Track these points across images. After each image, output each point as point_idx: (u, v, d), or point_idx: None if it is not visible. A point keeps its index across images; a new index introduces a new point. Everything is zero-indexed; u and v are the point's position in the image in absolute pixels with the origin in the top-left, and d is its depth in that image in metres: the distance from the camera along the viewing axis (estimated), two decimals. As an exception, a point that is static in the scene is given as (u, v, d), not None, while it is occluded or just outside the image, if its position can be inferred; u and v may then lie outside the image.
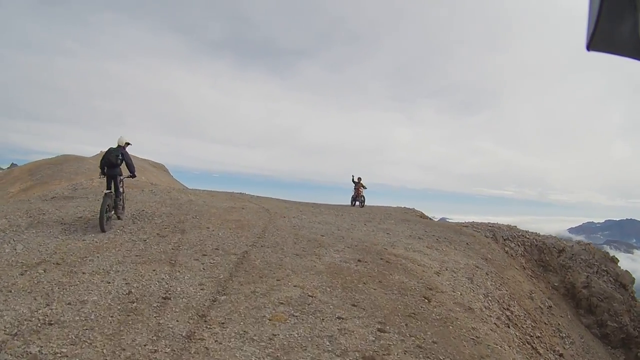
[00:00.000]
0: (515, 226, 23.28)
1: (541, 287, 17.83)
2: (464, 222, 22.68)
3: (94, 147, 69.24)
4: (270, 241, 12.07)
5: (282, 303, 7.87)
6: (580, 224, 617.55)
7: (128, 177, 13.27)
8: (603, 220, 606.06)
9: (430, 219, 27.44)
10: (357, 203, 26.66)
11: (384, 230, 16.43)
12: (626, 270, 21.91)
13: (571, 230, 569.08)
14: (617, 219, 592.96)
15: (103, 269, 8.96)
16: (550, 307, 16.57)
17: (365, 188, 26.75)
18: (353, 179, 26.99)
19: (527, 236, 21.16)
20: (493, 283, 13.51)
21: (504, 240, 19.47)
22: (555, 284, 19.29)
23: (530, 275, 18.03)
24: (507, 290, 13.95)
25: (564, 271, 19.93)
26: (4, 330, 6.19)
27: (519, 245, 19.85)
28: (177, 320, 6.89)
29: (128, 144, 13.06)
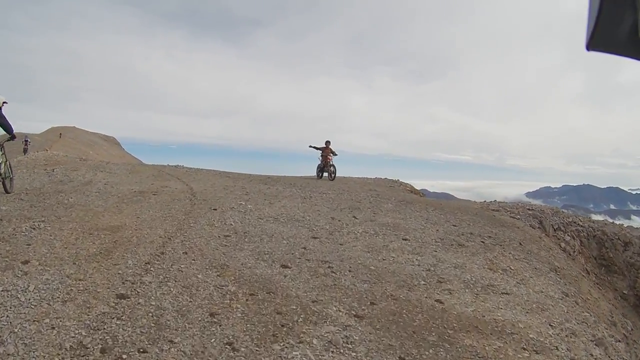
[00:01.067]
0: (559, 209, 17.98)
1: (609, 297, 13.47)
2: (485, 201, 18.95)
3: (49, 124, 75.80)
4: (138, 313, 5.44)
5: None
6: (538, 188, 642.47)
7: (8, 140, 11.82)
8: (560, 185, 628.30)
9: (423, 195, 23.43)
10: (326, 175, 21.38)
11: (392, 229, 10.75)
12: None
13: (529, 194, 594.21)
14: (574, 185, 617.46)
15: None
16: (632, 330, 11.60)
17: (336, 155, 21.62)
18: (316, 147, 21.84)
19: (581, 223, 15.96)
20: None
21: (555, 230, 14.90)
22: (624, 292, 14.64)
23: (596, 283, 13.81)
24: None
25: (634, 272, 14.86)
26: None
27: (574, 238, 15.07)
28: None
29: (5, 102, 11.02)
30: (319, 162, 21.81)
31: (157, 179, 15.40)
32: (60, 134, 72.56)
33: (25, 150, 37.29)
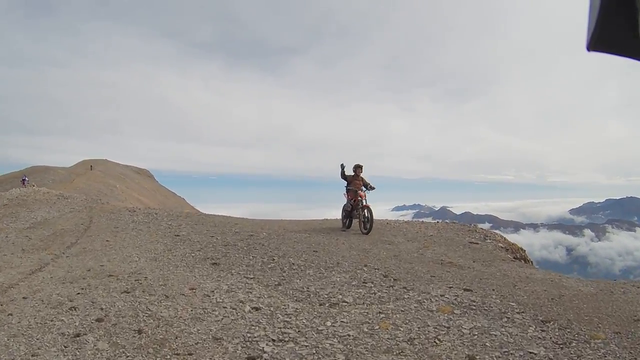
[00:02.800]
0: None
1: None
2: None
3: (92, 156, 77.38)
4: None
5: None
6: (581, 204, 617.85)
7: None
8: (603, 200, 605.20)
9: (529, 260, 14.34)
10: (356, 222, 14.68)
11: None
12: None
13: (572, 211, 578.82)
14: (618, 198, 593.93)
15: None
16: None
17: (372, 188, 14.91)
18: (343, 171, 15.12)
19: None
20: None
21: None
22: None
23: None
24: None
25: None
26: None
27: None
28: None
29: None
30: (346, 201, 14.63)
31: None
32: (91, 166, 72.52)
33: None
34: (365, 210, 13.78)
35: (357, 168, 14.84)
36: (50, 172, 62.43)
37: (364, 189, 14.45)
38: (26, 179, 45.22)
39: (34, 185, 34.95)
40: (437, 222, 16.10)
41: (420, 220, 18.17)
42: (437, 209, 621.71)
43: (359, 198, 14.05)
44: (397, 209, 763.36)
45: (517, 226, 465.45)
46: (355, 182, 14.69)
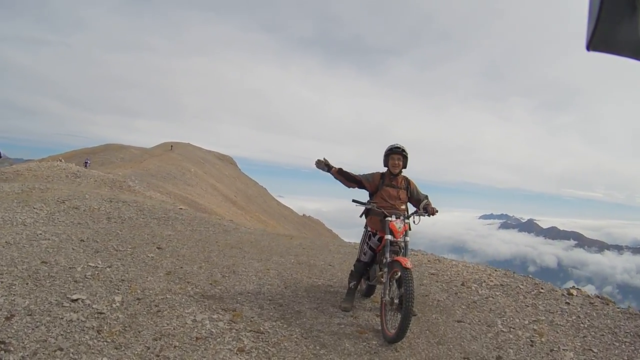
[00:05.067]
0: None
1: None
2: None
3: (182, 140, 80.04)
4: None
5: None
6: None
7: None
8: None
9: None
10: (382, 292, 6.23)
11: None
12: None
13: None
14: None
15: None
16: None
17: (430, 213, 6.71)
18: (346, 174, 7.01)
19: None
20: None
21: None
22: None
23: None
24: None
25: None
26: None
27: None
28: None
29: None
30: (363, 237, 7.12)
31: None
32: (172, 146, 74.01)
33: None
34: (399, 274, 5.85)
35: (394, 155, 6.78)
36: (124, 150, 63.72)
37: (405, 221, 6.53)
38: (88, 161, 45.41)
39: (61, 160, 31.95)
40: (514, 273, 10.05)
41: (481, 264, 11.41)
42: (524, 221, 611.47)
43: (396, 235, 6.33)
44: (485, 217, 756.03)
45: (601, 246, 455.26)
46: (388, 192, 6.84)
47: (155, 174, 44.23)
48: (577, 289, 9.05)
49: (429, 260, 10.79)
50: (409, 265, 5.69)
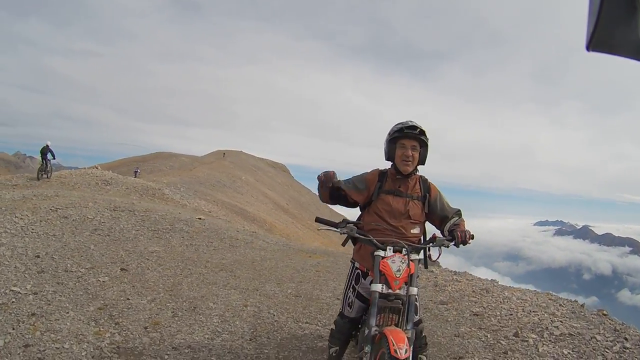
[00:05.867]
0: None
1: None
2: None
3: (235, 148, 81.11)
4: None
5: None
6: None
7: (52, 159, 24.00)
8: None
9: None
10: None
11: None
12: None
13: None
14: None
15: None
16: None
17: (464, 241, 3.82)
18: (329, 182, 3.93)
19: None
20: None
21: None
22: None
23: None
24: None
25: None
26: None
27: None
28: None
29: (48, 145, 24.37)
30: (351, 284, 4.15)
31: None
32: (224, 153, 74.47)
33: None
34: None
35: (405, 140, 3.99)
36: (174, 158, 64.03)
37: (420, 241, 4.16)
38: (138, 170, 45.07)
39: (97, 168, 31.74)
40: (582, 307, 7.51)
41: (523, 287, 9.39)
42: (579, 227, 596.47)
43: (385, 279, 3.61)
44: (540, 224, 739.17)
45: None
46: (388, 203, 4.08)
47: (204, 181, 43.33)
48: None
49: (473, 291, 8.23)
50: (403, 355, 3.13)
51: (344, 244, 4.20)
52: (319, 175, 3.95)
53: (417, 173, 4.20)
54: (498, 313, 7.05)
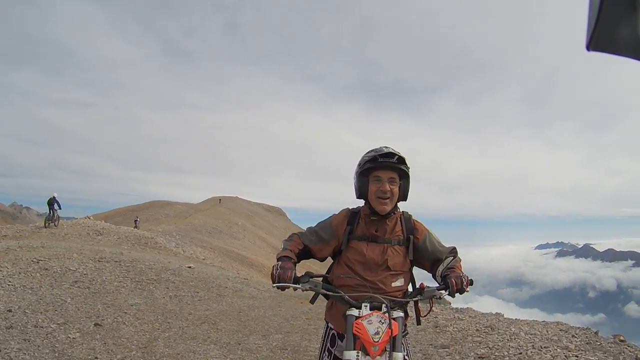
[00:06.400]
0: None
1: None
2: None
3: (230, 194, 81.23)
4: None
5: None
6: None
7: (59, 209, 25.23)
8: None
9: None
10: None
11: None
12: None
13: None
14: None
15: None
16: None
17: (446, 293, 3.04)
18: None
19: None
20: None
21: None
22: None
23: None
24: None
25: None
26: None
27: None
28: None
29: (54, 196, 25.52)
30: (327, 347, 3.33)
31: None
32: (220, 199, 74.31)
33: (135, 227, 36.35)
34: None
35: (379, 172, 3.23)
36: (169, 207, 64.13)
37: (406, 293, 3.33)
38: (138, 219, 44.40)
39: (89, 218, 33.20)
40: (599, 336, 7.22)
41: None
42: (580, 247, 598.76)
43: (362, 345, 2.80)
44: (541, 247, 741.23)
45: None
46: (360, 251, 3.27)
47: (200, 228, 43.02)
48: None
49: (477, 330, 7.69)
50: None
51: (312, 301, 3.44)
52: (272, 273, 3.05)
53: (398, 211, 3.42)
54: (506, 353, 6.45)
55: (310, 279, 3.04)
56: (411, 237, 3.32)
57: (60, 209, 26.14)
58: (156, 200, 69.67)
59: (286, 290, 2.97)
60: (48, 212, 25.70)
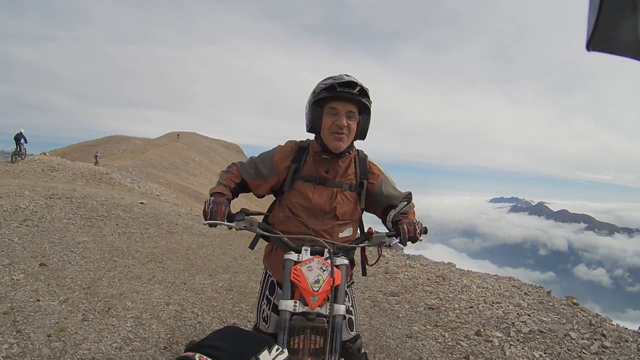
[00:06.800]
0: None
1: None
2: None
3: (192, 129, 79.92)
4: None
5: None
6: None
7: (25, 143, 27.45)
8: None
9: None
10: None
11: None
12: None
13: None
14: None
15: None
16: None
17: (397, 241, 2.69)
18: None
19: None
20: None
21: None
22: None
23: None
24: None
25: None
26: None
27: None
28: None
29: (21, 132, 28.14)
30: (265, 295, 3.07)
31: None
32: (178, 135, 73.68)
33: (96, 163, 36.34)
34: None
35: (336, 103, 2.74)
36: (126, 142, 62.29)
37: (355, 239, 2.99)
38: (98, 154, 43.19)
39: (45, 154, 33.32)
40: (549, 294, 7.33)
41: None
42: (534, 204, 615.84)
43: (302, 295, 2.44)
44: (495, 200, 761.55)
45: (612, 229, 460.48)
46: (305, 193, 2.88)
47: (157, 164, 42.37)
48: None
49: (428, 279, 7.68)
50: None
51: (251, 246, 3.09)
52: (204, 209, 2.66)
53: (353, 150, 2.98)
54: (457, 305, 6.41)
55: (246, 217, 2.71)
56: (365, 182, 2.94)
57: (26, 142, 28.48)
58: (114, 135, 67.65)
59: (233, 229, 2.67)
60: (15, 147, 27.46)
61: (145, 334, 4.83)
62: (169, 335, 4.89)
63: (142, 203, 13.90)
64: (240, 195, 3.04)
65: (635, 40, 1.22)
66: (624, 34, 1.22)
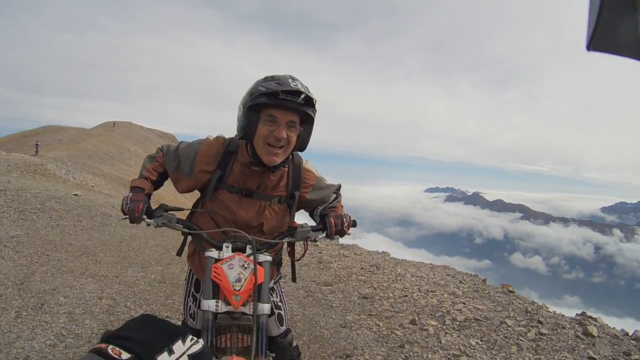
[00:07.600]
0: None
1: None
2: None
3: (129, 119, 77.63)
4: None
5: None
6: (613, 203, 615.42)
7: None
8: (636, 201, 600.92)
9: None
10: None
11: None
12: None
13: (604, 209, 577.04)
14: None
15: None
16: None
17: (322, 236, 2.52)
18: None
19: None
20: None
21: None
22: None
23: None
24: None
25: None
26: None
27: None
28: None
29: None
30: (190, 292, 2.89)
31: None
32: (114, 124, 71.65)
33: (36, 153, 34.99)
34: None
35: (274, 110, 2.31)
36: (62, 132, 59.42)
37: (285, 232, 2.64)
38: (39, 144, 41.05)
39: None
40: (484, 281, 7.28)
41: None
42: (469, 194, 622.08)
43: (224, 295, 2.22)
44: (430, 190, 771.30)
45: (547, 219, 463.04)
46: (227, 203, 2.58)
47: (92, 155, 40.60)
48: (593, 319, 5.75)
49: (362, 268, 7.65)
50: None
51: (179, 253, 2.84)
52: (122, 207, 2.41)
53: (290, 162, 2.66)
54: (391, 294, 6.37)
55: (165, 213, 2.43)
56: (297, 193, 2.63)
57: None
58: (49, 125, 64.04)
59: (151, 225, 2.39)
60: None
61: (78, 329, 4.68)
62: (102, 331, 4.71)
63: (76, 195, 13.41)
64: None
65: (635, 40, 1.19)
66: (624, 34, 1.19)
